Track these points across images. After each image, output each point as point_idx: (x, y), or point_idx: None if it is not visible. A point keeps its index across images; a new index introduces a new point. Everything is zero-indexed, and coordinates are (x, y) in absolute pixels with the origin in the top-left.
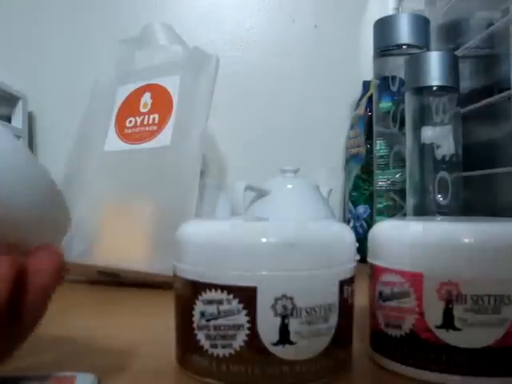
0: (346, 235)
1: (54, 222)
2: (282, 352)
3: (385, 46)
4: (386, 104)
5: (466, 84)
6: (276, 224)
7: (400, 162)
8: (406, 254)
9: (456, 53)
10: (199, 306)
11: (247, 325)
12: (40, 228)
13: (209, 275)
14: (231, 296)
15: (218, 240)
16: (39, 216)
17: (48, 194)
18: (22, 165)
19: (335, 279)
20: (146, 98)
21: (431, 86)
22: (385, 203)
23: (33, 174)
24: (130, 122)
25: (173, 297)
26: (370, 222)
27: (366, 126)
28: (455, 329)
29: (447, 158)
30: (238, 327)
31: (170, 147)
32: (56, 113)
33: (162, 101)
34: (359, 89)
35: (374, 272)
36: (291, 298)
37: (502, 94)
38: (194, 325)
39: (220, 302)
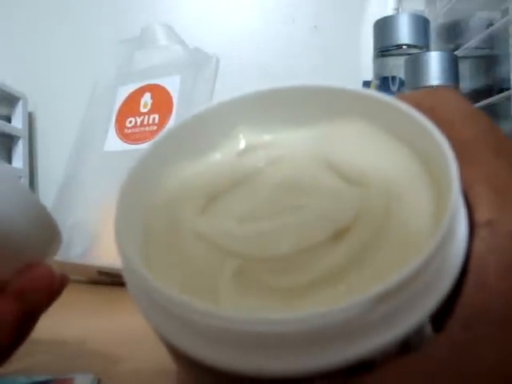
0: None
1: (42, 239)
2: None
3: (385, 47)
4: None
5: (465, 84)
6: None
7: None
8: None
9: (456, 53)
10: None
11: None
12: (29, 245)
13: None
14: None
15: None
16: (28, 233)
17: (36, 211)
18: (15, 188)
19: None
20: (146, 98)
21: (431, 86)
22: None
23: (28, 198)
24: (130, 122)
25: None
26: None
27: None
28: None
29: None
30: None
31: None
32: (56, 113)
33: (162, 101)
34: None
35: None
36: None
37: (502, 94)
38: None
39: None
